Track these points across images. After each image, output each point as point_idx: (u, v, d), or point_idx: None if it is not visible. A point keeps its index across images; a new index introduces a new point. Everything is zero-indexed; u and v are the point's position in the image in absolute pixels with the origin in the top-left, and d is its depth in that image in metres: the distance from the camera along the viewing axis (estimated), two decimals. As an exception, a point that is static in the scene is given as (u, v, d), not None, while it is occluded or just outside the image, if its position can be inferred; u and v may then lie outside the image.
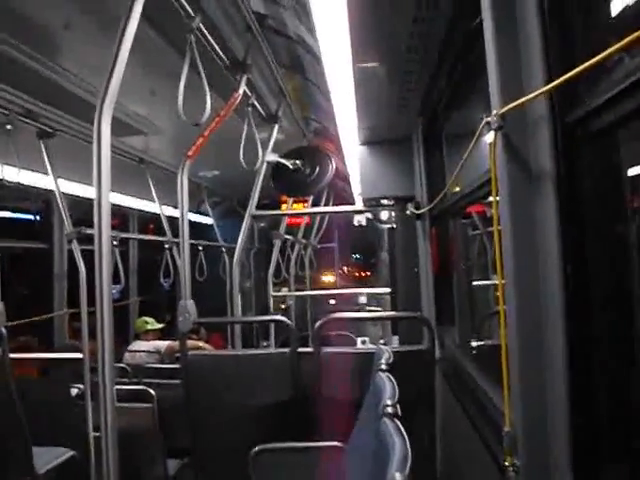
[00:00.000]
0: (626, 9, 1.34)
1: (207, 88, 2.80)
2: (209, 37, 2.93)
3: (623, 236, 1.38)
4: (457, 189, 3.06)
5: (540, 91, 1.39)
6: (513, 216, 1.62)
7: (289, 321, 3.70)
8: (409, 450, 1.30)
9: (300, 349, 3.33)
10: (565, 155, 1.42)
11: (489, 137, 1.69)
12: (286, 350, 3.36)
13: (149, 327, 6.26)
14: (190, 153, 3.21)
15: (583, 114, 1.35)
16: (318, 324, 3.42)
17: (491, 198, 1.77)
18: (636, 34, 0.96)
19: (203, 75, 2.79)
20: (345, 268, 13.93)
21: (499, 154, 1.65)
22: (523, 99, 1.45)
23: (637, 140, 1.46)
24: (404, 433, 1.42)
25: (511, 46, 1.62)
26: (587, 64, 1.13)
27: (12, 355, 3.50)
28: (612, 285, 1.42)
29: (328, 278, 11.87)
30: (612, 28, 1.39)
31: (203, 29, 2.81)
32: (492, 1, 1.68)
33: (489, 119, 1.63)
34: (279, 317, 4.38)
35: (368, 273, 15.35)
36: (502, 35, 1.65)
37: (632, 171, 1.44)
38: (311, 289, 8.44)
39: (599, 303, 1.44)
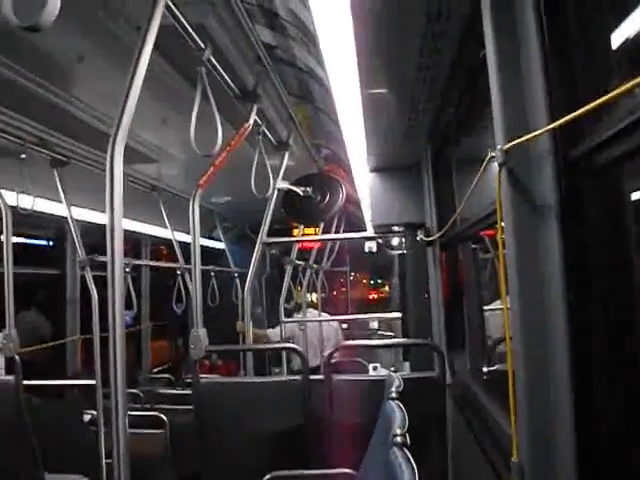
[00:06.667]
0: (626, 42, 1.36)
1: (218, 119, 2.83)
2: (219, 68, 2.96)
3: (626, 267, 1.40)
4: (466, 215, 3.07)
5: (543, 130, 1.41)
6: (518, 247, 1.64)
7: (300, 349, 3.72)
8: (417, 481, 1.31)
9: (311, 376, 3.34)
10: (568, 189, 1.44)
11: (496, 164, 1.71)
12: (297, 378, 3.36)
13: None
14: (201, 182, 3.23)
15: (586, 150, 1.36)
16: (329, 352, 3.43)
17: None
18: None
19: (214, 106, 2.82)
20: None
21: (504, 187, 1.67)
22: (527, 136, 1.47)
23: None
24: (413, 463, 1.43)
25: (514, 84, 1.64)
26: (590, 106, 1.15)
27: (25, 382, 3.52)
28: (616, 314, 1.43)
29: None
30: (614, 63, 1.41)
31: (213, 61, 2.84)
32: (496, 40, 1.71)
33: (493, 154, 1.65)
34: (291, 345, 4.39)
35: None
36: (505, 73, 1.67)
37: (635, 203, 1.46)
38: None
39: (604, 331, 1.45)
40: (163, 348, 9.11)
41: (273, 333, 6.63)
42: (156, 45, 2.25)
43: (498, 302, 4.44)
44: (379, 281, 15.55)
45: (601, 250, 1.43)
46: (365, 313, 10.66)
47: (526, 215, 1.61)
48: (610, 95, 1.08)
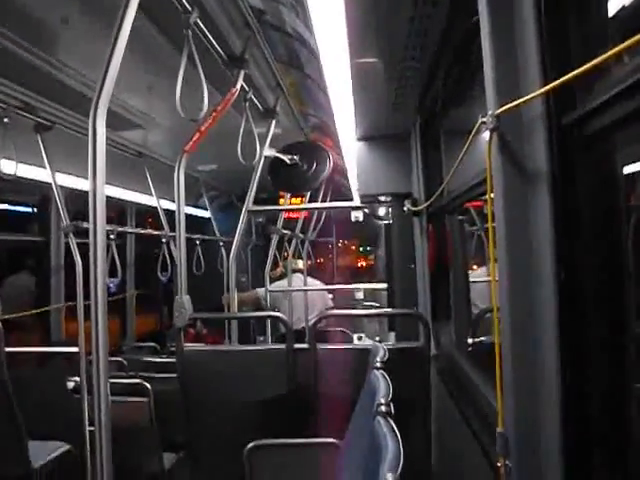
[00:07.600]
0: (623, 10, 1.34)
1: (205, 84, 2.79)
2: (207, 32, 2.91)
3: (615, 236, 1.39)
4: (454, 186, 3.06)
5: (536, 93, 1.39)
6: (507, 215, 1.63)
7: (285, 317, 3.71)
8: (401, 450, 1.31)
9: (296, 345, 3.33)
10: (560, 156, 1.42)
11: (486, 136, 1.69)
12: (282, 346, 3.36)
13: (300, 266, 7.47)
14: (187, 148, 3.19)
15: (579, 116, 1.35)
16: (313, 320, 3.43)
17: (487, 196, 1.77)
18: (634, 39, 0.96)
19: (201, 70, 2.78)
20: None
21: (494, 154, 1.65)
22: (519, 101, 1.45)
23: (633, 142, 1.46)
24: (397, 433, 1.42)
25: (507, 48, 1.62)
26: (583, 68, 1.13)
27: (8, 349, 3.50)
28: (605, 284, 1.42)
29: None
30: (608, 29, 1.39)
31: (200, 24, 2.79)
32: (489, 2, 1.68)
33: (484, 119, 1.63)
34: (275, 313, 4.39)
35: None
36: (498, 37, 1.65)
37: (627, 171, 1.45)
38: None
39: (592, 302, 1.44)
40: (149, 316, 9.10)
41: (262, 291, 6.64)
42: (141, 7, 2.20)
43: (479, 271, 4.46)
44: (368, 248, 15.62)
45: (592, 219, 1.42)
46: (354, 282, 10.67)
47: (517, 181, 1.60)
48: (602, 57, 1.06)
